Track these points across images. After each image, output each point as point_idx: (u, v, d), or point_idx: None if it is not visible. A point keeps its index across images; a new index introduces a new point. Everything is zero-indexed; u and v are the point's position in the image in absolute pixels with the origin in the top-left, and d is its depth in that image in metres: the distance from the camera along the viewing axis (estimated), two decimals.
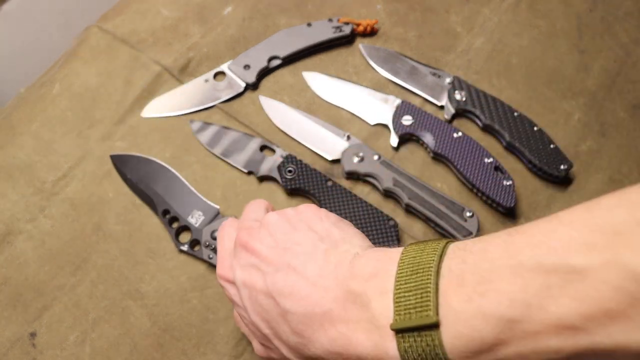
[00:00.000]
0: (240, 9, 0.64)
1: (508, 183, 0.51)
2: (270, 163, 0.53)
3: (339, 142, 0.54)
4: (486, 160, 0.52)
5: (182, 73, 0.60)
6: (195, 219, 0.51)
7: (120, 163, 0.54)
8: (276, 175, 0.52)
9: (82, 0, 0.83)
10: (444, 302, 0.27)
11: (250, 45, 0.61)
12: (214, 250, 0.48)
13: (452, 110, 0.56)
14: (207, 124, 0.56)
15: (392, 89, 0.59)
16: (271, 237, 0.36)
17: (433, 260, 0.29)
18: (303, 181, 0.51)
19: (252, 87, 0.59)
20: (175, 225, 0.51)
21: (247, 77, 0.58)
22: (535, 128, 0.54)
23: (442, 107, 0.57)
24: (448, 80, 0.57)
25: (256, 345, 0.39)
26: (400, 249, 0.31)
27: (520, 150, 0.53)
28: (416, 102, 0.58)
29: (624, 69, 0.60)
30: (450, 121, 0.56)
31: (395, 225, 0.49)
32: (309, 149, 0.55)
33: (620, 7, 0.64)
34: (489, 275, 0.26)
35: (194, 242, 0.50)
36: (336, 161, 0.54)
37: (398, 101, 0.56)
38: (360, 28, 0.61)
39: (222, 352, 0.46)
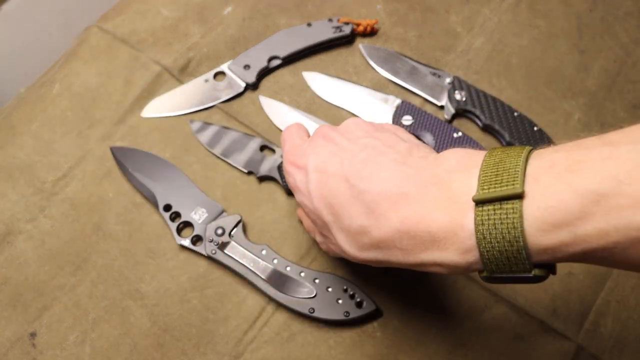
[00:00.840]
0: (240, 9, 0.64)
1: None
2: (270, 163, 0.53)
3: None
4: None
5: (182, 73, 0.60)
6: (198, 215, 0.51)
7: (121, 156, 0.54)
8: (276, 175, 0.52)
9: (82, 0, 0.82)
10: (531, 179, 0.28)
11: (250, 45, 0.61)
12: (219, 246, 0.49)
13: (452, 110, 0.56)
14: (207, 124, 0.56)
15: (392, 89, 0.59)
16: (351, 133, 0.38)
17: (522, 150, 0.29)
18: None
19: (252, 87, 0.59)
20: (176, 221, 0.51)
21: (247, 77, 0.58)
22: (536, 128, 0.54)
23: (442, 107, 0.57)
24: (448, 80, 0.57)
25: (318, 238, 0.42)
26: (482, 152, 0.32)
27: None
28: (416, 102, 0.58)
29: (624, 69, 0.60)
30: (450, 121, 0.56)
31: None
32: None
33: (620, 7, 0.64)
34: (582, 158, 0.27)
35: (196, 238, 0.50)
36: None
37: (398, 101, 0.56)
38: (360, 28, 0.61)
39: (222, 352, 0.46)
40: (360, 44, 0.61)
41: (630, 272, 0.49)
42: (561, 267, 0.49)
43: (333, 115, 0.57)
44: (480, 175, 0.29)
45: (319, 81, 0.59)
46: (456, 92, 0.56)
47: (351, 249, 0.35)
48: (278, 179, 0.52)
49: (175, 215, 0.51)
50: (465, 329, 0.47)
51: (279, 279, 0.47)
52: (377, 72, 0.60)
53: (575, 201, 0.26)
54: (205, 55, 0.61)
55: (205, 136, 0.55)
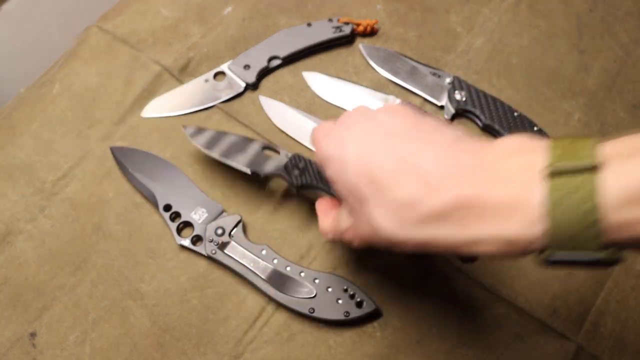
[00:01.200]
0: (240, 9, 0.64)
1: None
2: (275, 162, 0.51)
3: None
4: None
5: (182, 73, 0.60)
6: (198, 215, 0.51)
7: (121, 156, 0.54)
8: (283, 173, 0.51)
9: (82, 0, 0.82)
10: (604, 156, 0.27)
11: (250, 45, 0.61)
12: (219, 246, 0.49)
13: (452, 110, 0.56)
14: (201, 129, 0.55)
15: (392, 89, 0.59)
16: (396, 111, 0.36)
17: (588, 137, 0.29)
18: (312, 178, 0.50)
19: (252, 87, 0.59)
20: (176, 221, 0.51)
21: (247, 77, 0.58)
22: (536, 128, 0.54)
23: (442, 107, 0.57)
24: (448, 80, 0.57)
25: (345, 223, 0.37)
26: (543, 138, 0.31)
27: None
28: (416, 102, 0.58)
29: (624, 69, 0.60)
30: (450, 121, 0.56)
31: None
32: (309, 148, 0.55)
33: (621, 7, 0.64)
34: None
35: (196, 238, 0.50)
36: None
37: (398, 101, 0.56)
38: (360, 28, 0.61)
39: (222, 352, 0.46)
40: (360, 44, 0.61)
41: (630, 272, 0.50)
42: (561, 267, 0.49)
43: (333, 115, 0.57)
44: (552, 150, 0.28)
45: (319, 81, 0.59)
46: (456, 92, 0.56)
47: (391, 225, 0.32)
48: (285, 177, 0.51)
49: (175, 215, 0.51)
50: (465, 329, 0.47)
51: (279, 279, 0.47)
52: (377, 72, 0.60)
53: None
54: (205, 55, 0.61)
55: (200, 140, 0.54)
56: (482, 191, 0.29)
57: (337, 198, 0.43)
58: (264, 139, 0.56)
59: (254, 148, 0.52)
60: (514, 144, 0.30)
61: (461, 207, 0.29)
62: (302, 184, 0.49)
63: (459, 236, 0.30)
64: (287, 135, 0.56)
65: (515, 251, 0.29)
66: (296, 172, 0.49)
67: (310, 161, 0.50)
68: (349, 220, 0.37)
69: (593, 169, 0.27)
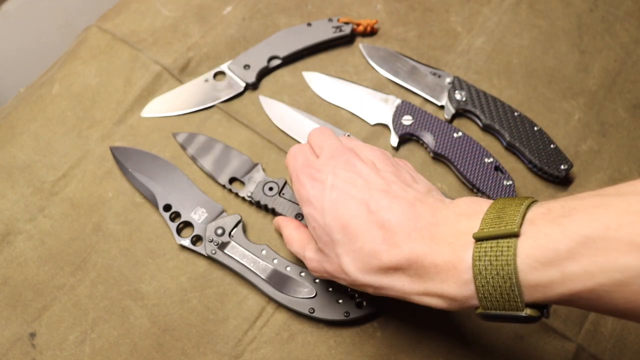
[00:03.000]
0: (240, 9, 0.64)
1: (508, 183, 0.51)
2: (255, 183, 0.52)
3: None
4: (486, 160, 0.52)
5: (182, 73, 0.60)
6: (198, 215, 0.51)
7: (121, 156, 0.54)
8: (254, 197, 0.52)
9: (82, 0, 0.83)
10: (528, 222, 0.30)
11: (250, 45, 0.61)
12: (219, 246, 0.49)
13: (452, 110, 0.56)
14: (193, 135, 0.56)
15: (392, 89, 0.59)
16: (374, 165, 0.39)
17: (525, 200, 0.32)
18: (281, 206, 0.51)
19: (252, 87, 0.59)
20: (176, 221, 0.51)
21: (247, 77, 0.58)
22: (536, 128, 0.54)
23: (442, 107, 0.57)
24: (448, 80, 0.57)
25: (309, 254, 0.41)
26: (490, 201, 0.35)
27: (520, 150, 0.53)
28: (416, 102, 0.58)
29: (624, 69, 0.60)
30: (450, 121, 0.56)
31: None
32: None
33: (621, 7, 0.64)
34: (575, 206, 0.29)
35: (196, 238, 0.50)
36: None
37: (398, 101, 0.56)
38: (360, 28, 0.61)
39: (222, 352, 0.46)
40: (360, 44, 0.61)
41: None
42: None
43: (333, 115, 0.57)
44: (484, 218, 0.32)
45: (319, 81, 0.59)
46: (456, 92, 0.56)
47: (355, 270, 0.36)
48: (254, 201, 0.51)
49: (175, 215, 0.51)
50: (465, 329, 0.47)
51: (279, 279, 0.47)
52: (377, 72, 0.60)
53: (565, 242, 0.28)
54: (205, 55, 0.61)
55: (192, 148, 0.55)
56: (430, 250, 0.33)
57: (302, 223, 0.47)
58: (265, 139, 0.56)
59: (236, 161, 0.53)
60: (465, 206, 0.35)
61: (413, 263, 0.34)
62: (271, 209, 0.51)
63: (411, 287, 0.34)
64: (286, 134, 0.56)
65: (456, 306, 0.33)
66: (269, 192, 0.51)
67: (281, 187, 0.51)
68: (317, 255, 0.40)
69: (512, 235, 0.30)
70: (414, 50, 0.61)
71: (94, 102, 0.58)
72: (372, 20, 0.61)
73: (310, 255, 0.41)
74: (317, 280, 0.47)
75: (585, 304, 0.29)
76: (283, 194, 0.51)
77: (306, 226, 0.45)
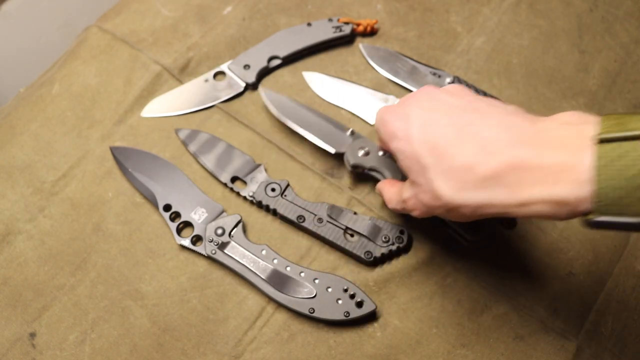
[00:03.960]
0: (240, 9, 0.64)
1: None
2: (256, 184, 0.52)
3: (343, 136, 0.53)
4: None
5: (182, 73, 0.60)
6: (198, 215, 0.51)
7: (121, 156, 0.54)
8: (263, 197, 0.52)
9: (82, 0, 0.82)
10: None
11: (250, 45, 0.61)
12: (219, 246, 0.49)
13: None
14: (195, 132, 0.56)
15: (392, 89, 0.59)
16: (457, 93, 0.39)
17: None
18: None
19: (252, 87, 0.59)
20: (176, 221, 0.51)
21: (247, 77, 0.58)
22: None
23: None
24: (448, 80, 0.57)
25: (407, 193, 0.40)
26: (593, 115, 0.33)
27: None
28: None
29: (624, 69, 0.60)
30: None
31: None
32: (310, 142, 0.55)
33: (621, 7, 0.64)
34: None
35: (196, 238, 0.50)
36: (339, 155, 0.52)
37: (398, 101, 0.56)
38: (360, 28, 0.61)
39: (222, 352, 0.46)
40: (360, 44, 0.61)
41: (631, 273, 0.49)
42: (561, 268, 0.49)
43: (333, 115, 0.57)
44: (602, 122, 0.31)
45: (319, 81, 0.59)
46: None
47: (450, 189, 0.35)
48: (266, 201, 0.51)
49: (175, 215, 0.51)
50: (465, 329, 0.47)
51: (279, 279, 0.47)
52: (377, 72, 0.59)
53: None
54: (205, 55, 0.61)
55: (194, 145, 0.55)
56: (536, 154, 0.32)
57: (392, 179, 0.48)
58: (265, 139, 0.56)
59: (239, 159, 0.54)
60: (569, 116, 0.33)
61: (515, 169, 0.32)
62: (272, 210, 0.51)
63: (513, 197, 0.33)
64: (286, 132, 0.56)
65: (564, 212, 0.31)
66: (270, 194, 0.51)
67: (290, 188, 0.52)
68: (411, 190, 0.40)
69: (639, 137, 0.29)
70: (414, 50, 0.61)
71: (94, 102, 0.58)
72: (372, 20, 0.61)
73: (407, 194, 0.40)
74: (316, 280, 0.47)
75: None
76: (285, 195, 0.51)
77: (397, 180, 0.47)
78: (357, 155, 0.51)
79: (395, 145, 0.39)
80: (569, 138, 0.31)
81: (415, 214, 0.41)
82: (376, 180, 0.51)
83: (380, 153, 0.51)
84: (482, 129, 0.34)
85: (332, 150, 0.52)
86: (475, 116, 0.36)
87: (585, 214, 0.31)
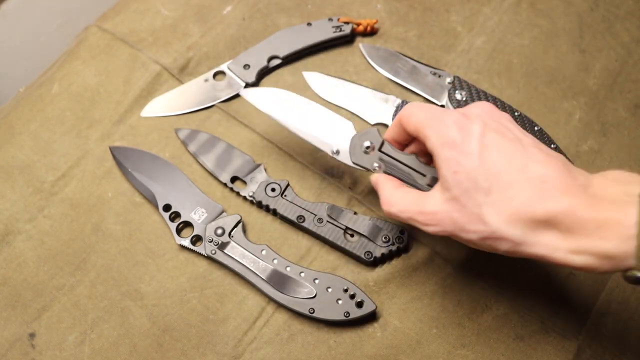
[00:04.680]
0: (240, 9, 0.64)
1: None
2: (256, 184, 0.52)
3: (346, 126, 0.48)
4: None
5: (182, 72, 0.59)
6: (198, 215, 0.51)
7: (121, 156, 0.54)
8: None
9: (81, 0, 0.82)
10: None
11: (250, 44, 0.61)
12: (219, 246, 0.48)
13: None
14: (195, 132, 0.56)
15: (392, 89, 0.59)
16: (513, 122, 0.39)
17: None
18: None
19: (251, 86, 0.58)
20: (176, 221, 0.51)
21: (246, 76, 0.58)
22: (536, 128, 0.54)
23: (442, 107, 0.57)
24: (448, 79, 0.57)
25: (431, 206, 0.38)
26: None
27: None
28: (416, 101, 0.57)
29: (625, 69, 0.60)
30: None
31: None
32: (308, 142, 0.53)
33: (622, 6, 0.64)
34: None
35: (196, 238, 0.50)
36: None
37: (398, 101, 0.56)
38: (360, 27, 0.61)
39: (222, 352, 0.46)
40: (360, 44, 0.61)
41: None
42: (562, 268, 0.49)
43: None
44: None
45: (319, 81, 0.59)
46: (456, 91, 0.56)
47: (498, 221, 0.35)
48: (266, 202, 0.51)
49: (175, 215, 0.51)
50: (465, 329, 0.47)
51: (279, 279, 0.47)
52: (377, 72, 0.59)
53: None
54: (204, 54, 0.61)
55: (194, 145, 0.55)
56: (588, 206, 0.33)
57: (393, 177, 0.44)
58: (265, 138, 0.55)
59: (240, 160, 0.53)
60: (618, 175, 0.35)
61: (570, 216, 0.33)
62: (272, 210, 0.51)
63: (562, 243, 0.34)
64: (286, 133, 0.56)
65: (607, 266, 0.33)
66: (270, 194, 0.51)
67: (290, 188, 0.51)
68: (447, 205, 0.37)
69: None
70: (414, 50, 0.61)
71: (94, 102, 0.58)
72: (372, 20, 0.61)
73: (435, 207, 0.38)
74: (317, 280, 0.47)
75: None
76: (285, 195, 0.51)
77: (407, 178, 0.43)
78: (360, 152, 0.45)
79: (451, 155, 0.37)
80: (617, 195, 0.33)
81: (431, 230, 0.39)
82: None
83: (385, 149, 0.45)
84: (548, 170, 0.35)
85: (334, 148, 0.47)
86: (542, 156, 0.36)
87: (627, 269, 0.32)
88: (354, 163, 0.46)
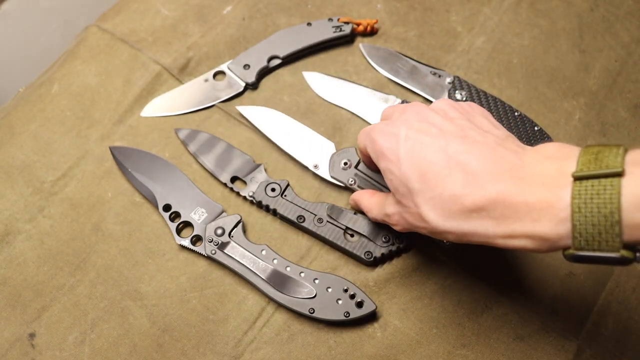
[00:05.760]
0: (240, 9, 0.64)
1: None
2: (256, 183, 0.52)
3: (326, 145, 0.53)
4: None
5: (182, 72, 0.59)
6: (198, 215, 0.51)
7: (121, 156, 0.54)
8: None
9: (82, 0, 0.82)
10: (630, 164, 0.30)
11: (250, 44, 0.61)
12: (219, 246, 0.48)
13: None
14: (195, 131, 0.55)
15: (392, 89, 0.59)
16: (446, 113, 0.39)
17: (618, 145, 0.32)
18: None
19: (251, 86, 0.58)
20: (176, 221, 0.50)
21: (246, 76, 0.58)
22: (536, 128, 0.54)
23: None
24: (448, 79, 0.57)
25: (391, 209, 0.41)
26: (577, 147, 0.34)
27: None
28: (416, 102, 0.57)
29: (625, 69, 0.60)
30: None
31: None
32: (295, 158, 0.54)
33: (621, 7, 0.64)
34: None
35: (196, 238, 0.50)
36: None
37: (398, 101, 0.56)
38: (361, 27, 0.61)
39: (222, 352, 0.46)
40: (361, 44, 0.61)
41: (632, 273, 0.49)
42: (562, 268, 0.49)
43: (333, 115, 0.57)
44: (580, 157, 0.32)
45: (319, 81, 0.59)
46: (457, 91, 0.56)
47: (437, 216, 0.36)
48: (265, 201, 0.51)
49: (175, 215, 0.51)
50: (465, 329, 0.47)
51: (279, 279, 0.47)
52: (377, 72, 0.59)
53: None
54: (204, 54, 0.61)
55: (194, 145, 0.55)
56: (520, 190, 0.33)
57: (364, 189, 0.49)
58: (265, 139, 0.55)
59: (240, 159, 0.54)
60: (552, 149, 0.34)
61: (500, 203, 0.33)
62: (272, 210, 0.51)
63: (496, 230, 0.34)
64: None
65: (545, 247, 0.33)
66: (270, 194, 0.51)
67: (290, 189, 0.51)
68: (396, 207, 0.40)
69: (616, 175, 0.29)
70: (414, 50, 0.61)
71: (94, 102, 0.58)
72: (372, 20, 0.61)
73: (390, 210, 0.41)
74: (317, 280, 0.47)
75: None
76: (285, 195, 0.51)
77: (380, 190, 0.48)
78: (339, 168, 0.51)
79: (384, 165, 0.39)
80: (550, 174, 0.32)
81: (397, 228, 0.42)
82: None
83: (361, 167, 0.51)
84: (471, 159, 0.35)
85: (312, 164, 0.52)
86: (466, 146, 0.36)
87: (565, 248, 0.32)
88: (332, 177, 0.51)
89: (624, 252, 0.30)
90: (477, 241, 0.36)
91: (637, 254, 0.30)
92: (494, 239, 0.34)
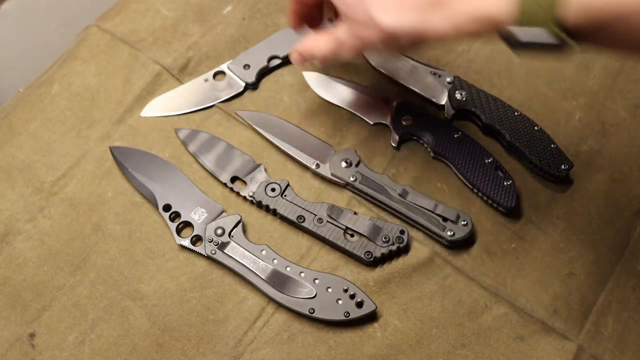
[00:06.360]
0: (240, 9, 0.64)
1: (508, 183, 0.51)
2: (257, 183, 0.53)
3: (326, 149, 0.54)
4: (486, 160, 0.52)
5: (182, 72, 0.59)
6: (198, 215, 0.51)
7: (121, 156, 0.54)
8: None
9: (81, 0, 0.82)
10: None
11: (250, 44, 0.61)
12: (219, 246, 0.48)
13: (452, 110, 0.56)
14: (195, 131, 0.55)
15: (393, 89, 0.59)
16: None
17: None
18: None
19: (252, 86, 0.58)
20: (176, 221, 0.51)
21: (246, 76, 0.58)
22: (536, 128, 0.54)
23: (442, 107, 0.57)
24: (448, 79, 0.57)
25: (341, 34, 0.42)
26: None
27: (520, 150, 0.53)
28: (416, 101, 0.57)
29: (625, 69, 0.60)
30: (450, 121, 0.56)
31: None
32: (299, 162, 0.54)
33: None
34: None
35: (196, 238, 0.50)
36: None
37: (398, 101, 0.56)
38: None
39: (222, 352, 0.46)
40: None
41: (632, 273, 0.49)
42: (562, 268, 0.49)
43: (333, 115, 0.57)
44: None
45: (319, 81, 0.59)
46: (456, 91, 0.56)
47: (389, 18, 0.37)
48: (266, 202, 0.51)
49: (175, 215, 0.51)
50: (465, 329, 0.47)
51: (279, 279, 0.47)
52: (377, 72, 0.59)
53: None
54: (204, 54, 0.61)
55: (194, 145, 0.55)
56: None
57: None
58: (265, 138, 0.55)
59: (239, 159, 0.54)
60: None
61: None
62: (272, 210, 0.51)
63: (448, 20, 0.36)
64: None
65: (492, 27, 0.36)
66: (270, 194, 0.52)
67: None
68: (347, 27, 0.42)
69: None
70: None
71: (94, 102, 0.58)
72: None
73: (340, 33, 0.42)
74: (317, 280, 0.47)
75: (616, 35, 0.32)
76: (285, 195, 0.51)
77: (378, 190, 0.50)
78: (339, 167, 0.52)
79: None
80: None
81: (351, 53, 0.43)
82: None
83: (361, 167, 0.52)
84: None
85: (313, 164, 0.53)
86: None
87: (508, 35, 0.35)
88: (332, 174, 0.52)
89: (562, 35, 0.33)
90: (433, 37, 0.37)
91: (570, 39, 0.33)
92: (447, 30, 0.36)
